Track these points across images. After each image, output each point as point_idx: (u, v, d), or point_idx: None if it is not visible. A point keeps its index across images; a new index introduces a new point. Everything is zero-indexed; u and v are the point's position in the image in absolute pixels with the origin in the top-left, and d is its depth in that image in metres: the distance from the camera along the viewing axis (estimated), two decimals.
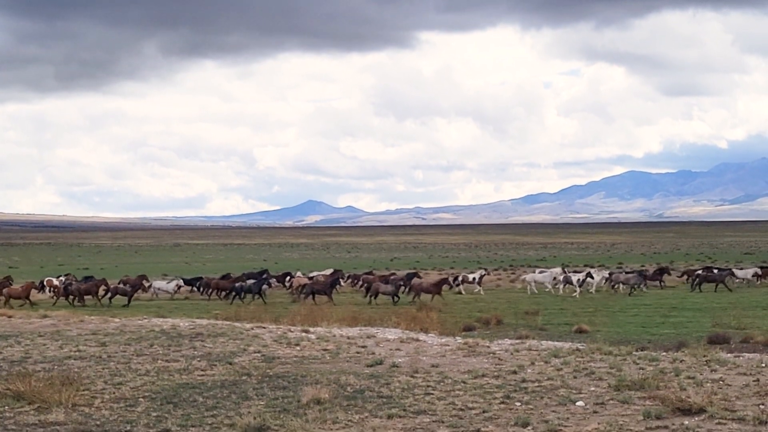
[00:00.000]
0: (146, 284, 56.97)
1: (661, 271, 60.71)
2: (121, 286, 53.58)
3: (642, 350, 22.62)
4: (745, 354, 22.00)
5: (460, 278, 57.11)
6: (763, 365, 19.25)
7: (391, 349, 22.58)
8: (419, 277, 59.44)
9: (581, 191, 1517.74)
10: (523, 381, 17.74)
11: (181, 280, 58.30)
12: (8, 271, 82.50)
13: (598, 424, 13.71)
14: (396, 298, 47.55)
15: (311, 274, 62.54)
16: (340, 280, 56.41)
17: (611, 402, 15.54)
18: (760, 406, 14.84)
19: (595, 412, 14.86)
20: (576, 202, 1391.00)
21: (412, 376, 18.44)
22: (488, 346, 22.89)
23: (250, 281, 53.77)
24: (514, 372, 18.76)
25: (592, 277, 54.93)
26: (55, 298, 52.61)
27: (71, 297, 51.24)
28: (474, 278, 57.73)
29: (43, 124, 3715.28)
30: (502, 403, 15.64)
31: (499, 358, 20.86)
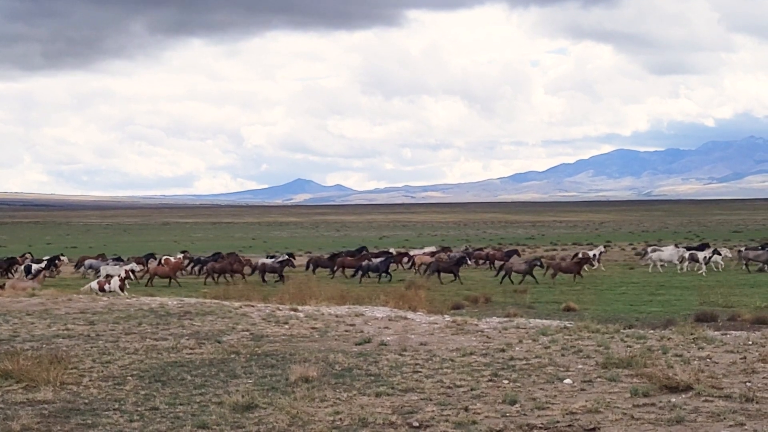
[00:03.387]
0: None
1: None
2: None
3: (629, 328, 22.71)
4: (732, 332, 22.08)
5: (580, 255, 55.99)
6: (750, 343, 19.32)
7: (379, 328, 22.60)
8: (519, 255, 59.21)
9: (569, 169, 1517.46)
10: (511, 359, 17.78)
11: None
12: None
13: (586, 401, 13.74)
14: (531, 277, 46.52)
15: (411, 252, 62.20)
16: (467, 258, 55.59)
17: (599, 380, 15.59)
18: (747, 384, 14.89)
19: (582, 389, 14.90)
20: (564, 180, 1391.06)
21: (400, 355, 18.47)
22: (476, 324, 22.93)
23: (377, 260, 52.75)
24: (502, 350, 18.80)
25: (719, 254, 54.06)
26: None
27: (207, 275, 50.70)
28: (594, 255, 56.84)
29: (30, 102, 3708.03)
30: (490, 380, 15.68)
31: (487, 336, 20.89)
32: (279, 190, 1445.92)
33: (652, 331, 21.74)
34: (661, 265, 53.78)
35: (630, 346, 18.93)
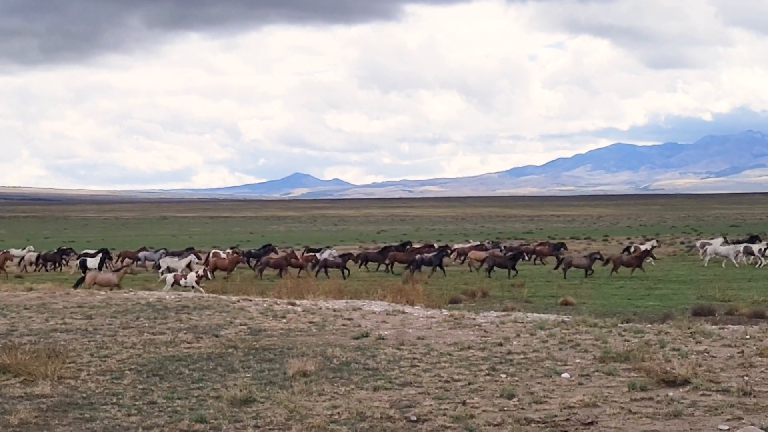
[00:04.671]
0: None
1: None
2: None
3: (627, 322, 22.73)
4: (729, 326, 22.10)
5: (632, 249, 54.99)
6: (748, 337, 19.35)
7: (377, 322, 22.61)
8: (566, 248, 58.76)
9: (567, 164, 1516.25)
10: (509, 353, 17.80)
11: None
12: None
13: (584, 395, 13.76)
14: (590, 272, 45.81)
15: (454, 247, 61.60)
16: (524, 254, 54.87)
17: (596, 374, 15.60)
18: (745, 378, 14.91)
19: (580, 383, 14.91)
20: (562, 174, 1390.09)
21: (398, 349, 18.48)
22: (474, 319, 22.95)
23: (430, 254, 51.54)
24: (500, 344, 18.81)
25: None
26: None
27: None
28: (646, 249, 56.40)
29: (28, 96, 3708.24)
30: (488, 375, 15.69)
31: (484, 331, 20.91)
32: (277, 185, 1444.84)
33: (649, 325, 21.77)
34: (710, 259, 53.21)
35: (628, 341, 18.94)
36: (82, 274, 42.04)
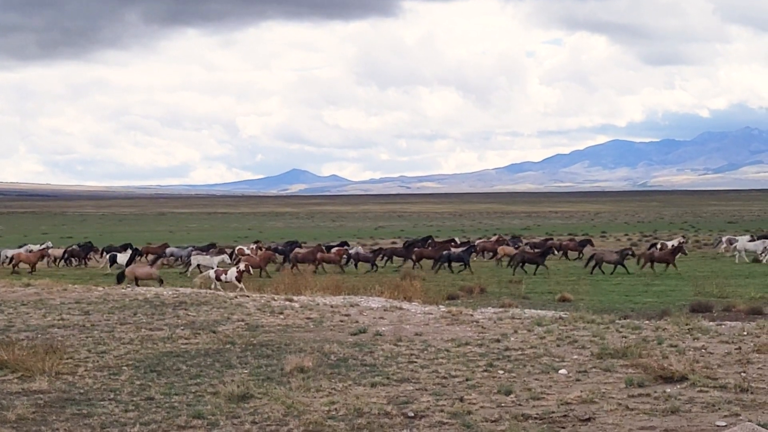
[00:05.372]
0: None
1: None
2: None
3: (625, 319, 22.75)
4: (727, 322, 22.12)
5: (658, 246, 54.75)
6: (745, 333, 19.36)
7: (374, 318, 22.61)
8: (592, 244, 58.50)
9: (565, 160, 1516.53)
10: (506, 349, 17.80)
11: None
12: None
13: (581, 392, 13.76)
14: (622, 267, 45.32)
15: (476, 242, 61.37)
16: (553, 249, 54.64)
17: (594, 370, 15.61)
18: (742, 374, 14.92)
19: (577, 380, 14.92)
20: (560, 171, 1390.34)
21: (395, 345, 18.48)
22: (471, 315, 22.95)
23: (458, 249, 51.19)
24: (498, 340, 18.82)
25: None
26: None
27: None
28: (672, 245, 56.04)
29: (26, 92, 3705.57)
30: (486, 371, 15.69)
31: (482, 327, 20.91)
32: (274, 181, 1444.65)
33: (647, 322, 21.78)
34: (740, 255, 52.93)
35: (625, 337, 18.96)
36: (115, 270, 41.53)
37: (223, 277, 36.82)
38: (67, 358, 16.82)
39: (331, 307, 24.73)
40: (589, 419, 12.39)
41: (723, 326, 20.74)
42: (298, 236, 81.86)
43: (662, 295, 34.43)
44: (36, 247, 58.00)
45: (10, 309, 24.38)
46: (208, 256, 49.15)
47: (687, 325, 20.52)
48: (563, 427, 12.12)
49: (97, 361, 16.90)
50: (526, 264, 47.05)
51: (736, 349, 17.39)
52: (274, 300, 26.32)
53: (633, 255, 47.90)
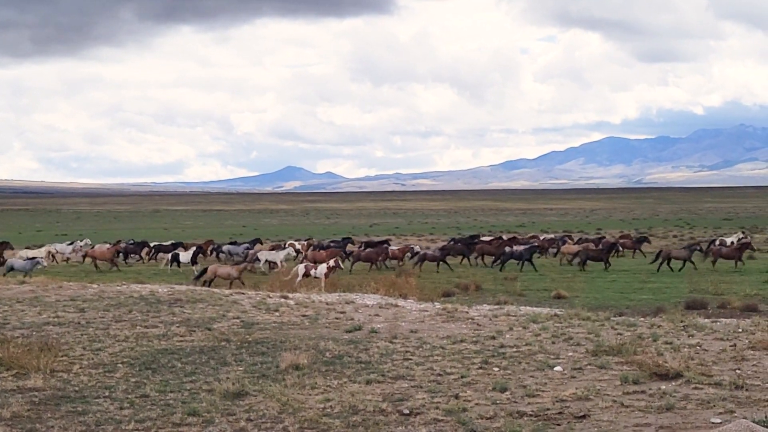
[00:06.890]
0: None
1: None
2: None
3: (620, 316, 22.78)
4: (722, 319, 22.15)
5: (717, 242, 54.24)
6: (740, 330, 19.39)
7: (370, 315, 22.62)
8: (649, 241, 57.88)
9: (560, 157, 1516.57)
10: (502, 346, 17.81)
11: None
12: None
13: (576, 389, 13.77)
14: (690, 263, 44.96)
15: (541, 237, 60.87)
16: (619, 246, 54.13)
17: (589, 367, 15.62)
18: (737, 371, 14.94)
19: (572, 377, 14.93)
20: (555, 167, 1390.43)
21: (390, 342, 18.48)
22: (467, 312, 22.97)
23: (520, 247, 50.15)
24: (493, 337, 18.83)
25: None
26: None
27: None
28: (732, 242, 55.48)
29: (20, 89, 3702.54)
30: (481, 368, 15.70)
31: (477, 324, 20.92)
32: (269, 178, 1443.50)
33: (642, 319, 21.80)
34: None
35: (620, 334, 18.98)
36: (195, 270, 41.07)
37: (312, 271, 36.50)
38: (62, 356, 16.81)
39: (327, 304, 24.74)
40: (584, 416, 12.39)
41: (718, 323, 20.77)
42: (294, 234, 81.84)
43: (657, 292, 34.44)
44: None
45: (6, 306, 24.34)
46: (274, 252, 49.12)
47: (682, 322, 20.55)
48: (558, 424, 12.12)
49: (92, 359, 16.89)
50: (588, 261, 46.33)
51: (731, 346, 17.41)
52: (270, 297, 26.31)
53: (701, 250, 47.52)
